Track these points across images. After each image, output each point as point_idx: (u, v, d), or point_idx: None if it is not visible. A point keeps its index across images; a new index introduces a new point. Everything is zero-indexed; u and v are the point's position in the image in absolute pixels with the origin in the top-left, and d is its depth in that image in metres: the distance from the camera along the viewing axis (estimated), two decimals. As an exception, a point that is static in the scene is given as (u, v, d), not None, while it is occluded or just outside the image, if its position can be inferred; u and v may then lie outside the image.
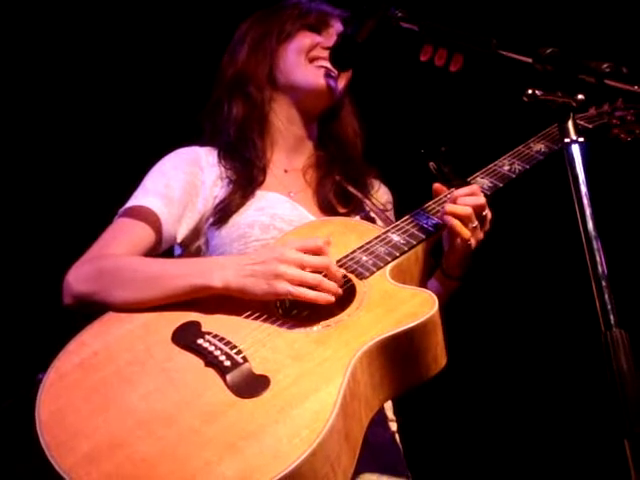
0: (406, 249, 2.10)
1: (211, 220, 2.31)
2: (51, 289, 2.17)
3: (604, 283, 1.62)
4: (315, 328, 1.92)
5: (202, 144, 2.45)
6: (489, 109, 3.57)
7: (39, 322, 3.37)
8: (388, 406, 2.27)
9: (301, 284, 1.94)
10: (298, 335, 1.90)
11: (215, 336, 1.90)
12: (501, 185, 2.25)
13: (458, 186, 2.17)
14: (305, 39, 2.43)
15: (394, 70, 3.40)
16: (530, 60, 1.81)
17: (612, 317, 1.60)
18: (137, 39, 3.66)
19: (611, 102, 2.49)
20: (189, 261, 2.23)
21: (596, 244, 1.65)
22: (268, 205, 2.33)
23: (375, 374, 1.86)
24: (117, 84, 3.68)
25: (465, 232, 2.10)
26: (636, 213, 3.52)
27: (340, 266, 2.05)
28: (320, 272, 1.98)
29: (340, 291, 1.98)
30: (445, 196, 2.21)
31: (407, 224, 2.17)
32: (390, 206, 2.55)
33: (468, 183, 2.20)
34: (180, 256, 2.37)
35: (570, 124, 1.74)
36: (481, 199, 2.15)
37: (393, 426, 2.28)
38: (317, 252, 2.00)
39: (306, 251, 1.99)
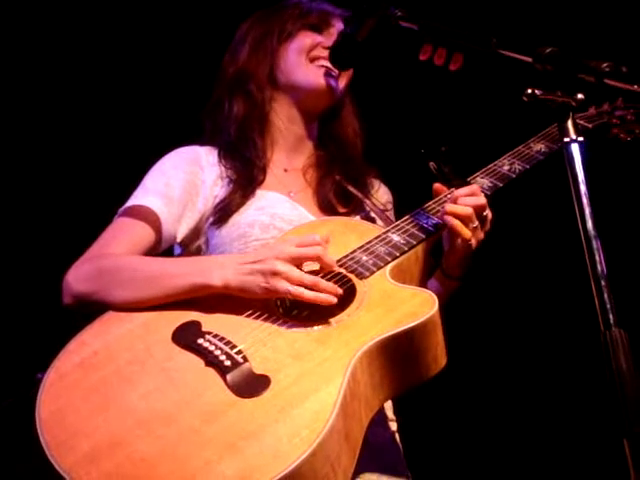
0: (406, 249, 2.10)
1: (211, 219, 2.31)
2: (51, 289, 2.17)
3: (603, 282, 1.62)
4: (315, 328, 1.92)
5: (202, 143, 2.45)
6: (489, 109, 3.57)
7: (39, 322, 3.37)
8: (388, 406, 2.27)
9: (300, 284, 1.94)
10: (298, 335, 1.91)
11: (215, 336, 1.90)
12: (501, 185, 2.25)
13: (458, 186, 2.17)
14: (306, 39, 2.43)
15: (394, 69, 3.39)
16: (530, 59, 1.81)
17: (611, 317, 1.60)
18: (138, 39, 3.66)
19: (611, 101, 2.49)
20: (189, 260, 2.23)
21: (595, 243, 1.65)
22: (268, 205, 2.33)
23: (375, 374, 1.86)
24: (117, 84, 3.68)
25: (466, 232, 2.10)
26: (636, 213, 3.52)
27: (340, 266, 2.05)
28: (318, 272, 1.99)
29: (340, 291, 1.98)
30: (445, 196, 2.21)
31: (407, 224, 2.17)
32: (390, 206, 2.55)
33: (468, 183, 2.20)
34: (180, 255, 2.37)
35: (570, 123, 1.74)
36: (481, 199, 2.15)
37: (393, 426, 2.28)
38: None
39: (304, 247, 1.99)
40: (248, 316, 1.95)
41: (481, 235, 2.15)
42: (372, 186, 2.53)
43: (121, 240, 2.19)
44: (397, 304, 1.94)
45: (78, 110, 3.66)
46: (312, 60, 2.41)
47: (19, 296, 3.51)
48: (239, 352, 1.86)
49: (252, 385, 1.79)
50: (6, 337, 3.41)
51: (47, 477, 1.69)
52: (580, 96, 1.74)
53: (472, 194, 2.14)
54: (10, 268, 3.56)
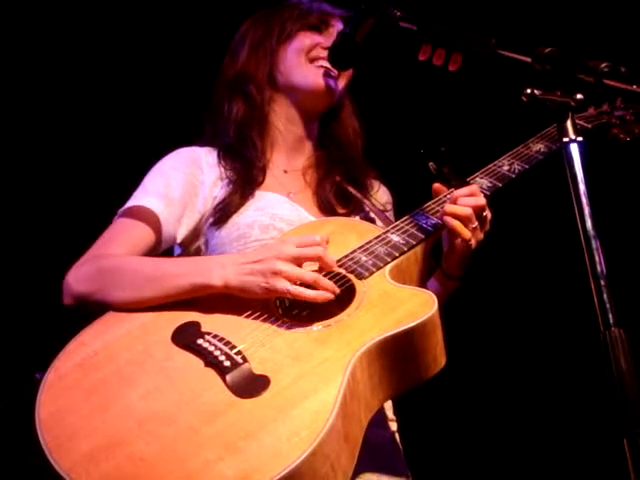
0: (405, 249, 2.10)
1: (211, 220, 2.31)
2: (51, 289, 2.17)
3: (603, 282, 1.62)
4: (315, 328, 1.92)
5: (202, 144, 2.45)
6: (488, 109, 3.57)
7: (39, 322, 3.37)
8: (388, 406, 2.27)
9: (300, 280, 1.94)
10: (298, 335, 1.91)
11: (215, 336, 1.90)
12: (500, 185, 2.25)
13: (458, 186, 2.17)
14: (305, 39, 2.43)
15: (393, 70, 3.40)
16: (529, 59, 1.81)
17: (611, 316, 1.60)
18: (138, 39, 3.66)
19: (610, 102, 2.49)
20: (189, 260, 2.23)
21: (595, 243, 1.65)
22: (267, 205, 2.33)
23: (375, 374, 1.86)
24: (117, 84, 3.68)
25: (465, 233, 2.10)
26: (635, 213, 3.53)
27: (340, 266, 2.05)
28: (318, 273, 1.99)
29: (338, 290, 1.98)
30: (445, 196, 2.21)
31: (407, 224, 2.17)
32: (390, 206, 2.55)
33: (468, 183, 2.20)
34: (180, 256, 2.37)
35: (569, 123, 1.74)
36: (481, 199, 2.15)
37: (393, 426, 2.28)
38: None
39: (304, 247, 1.99)
40: (248, 316, 1.96)
41: (480, 235, 2.15)
42: (372, 187, 2.53)
43: (121, 241, 2.19)
44: (397, 304, 1.94)
45: (78, 111, 3.67)
46: (311, 60, 2.40)
47: (19, 296, 3.52)
48: (238, 352, 1.86)
49: (252, 385, 1.79)
50: (6, 337, 3.41)
51: (47, 477, 1.69)
52: (579, 96, 1.74)
53: (471, 194, 2.14)
54: (10, 268, 3.56)
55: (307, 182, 2.46)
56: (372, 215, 2.44)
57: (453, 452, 3.78)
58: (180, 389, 1.80)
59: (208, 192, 2.34)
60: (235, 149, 2.40)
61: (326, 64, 2.37)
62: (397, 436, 2.28)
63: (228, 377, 1.80)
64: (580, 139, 1.72)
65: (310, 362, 1.83)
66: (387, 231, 2.16)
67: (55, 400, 1.80)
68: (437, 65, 2.15)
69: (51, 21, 3.63)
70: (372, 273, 2.03)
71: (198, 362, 1.85)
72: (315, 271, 2.00)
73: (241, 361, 1.83)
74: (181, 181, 2.32)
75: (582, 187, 1.68)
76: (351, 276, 2.03)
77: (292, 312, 1.98)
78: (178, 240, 2.31)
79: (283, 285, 1.93)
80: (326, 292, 1.95)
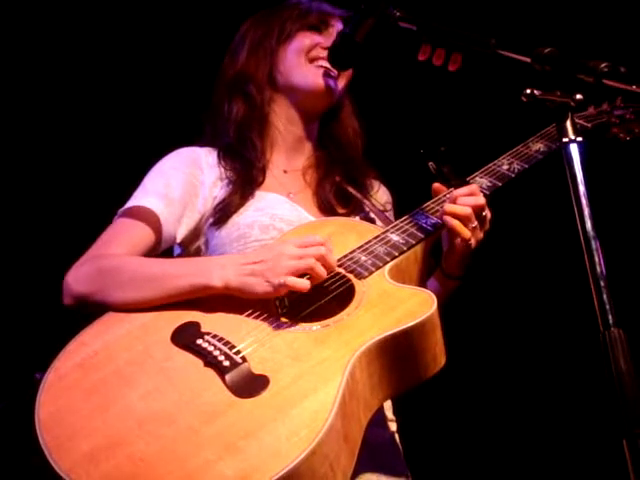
0: (405, 249, 2.10)
1: (211, 220, 2.31)
2: (51, 289, 2.17)
3: (602, 283, 1.62)
4: (314, 327, 1.92)
5: (202, 144, 2.45)
6: (488, 109, 3.57)
7: (39, 322, 3.37)
8: (388, 406, 2.27)
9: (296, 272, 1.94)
10: (297, 335, 1.91)
11: (214, 336, 1.90)
12: (500, 185, 2.25)
13: (457, 186, 2.17)
14: (305, 39, 2.42)
15: (393, 70, 3.40)
16: (529, 60, 1.81)
17: (610, 317, 1.60)
18: (138, 40, 3.66)
19: (610, 101, 2.49)
20: (189, 261, 2.23)
21: (594, 244, 1.65)
22: (267, 205, 2.33)
23: (374, 374, 1.86)
24: (118, 84, 3.68)
25: (465, 232, 2.10)
26: (635, 213, 3.52)
27: (339, 266, 2.05)
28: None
29: (335, 267, 1.99)
30: (444, 196, 2.21)
31: (406, 224, 2.17)
32: (390, 206, 2.54)
33: (467, 183, 2.20)
34: (180, 256, 2.37)
35: (568, 124, 1.74)
36: (480, 199, 2.15)
37: (393, 426, 2.28)
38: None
39: (306, 248, 1.99)
40: (247, 316, 1.96)
41: (480, 235, 2.15)
42: (372, 187, 2.53)
43: (121, 241, 2.19)
44: (396, 304, 1.94)
45: (79, 111, 3.67)
46: (311, 60, 2.40)
47: (19, 296, 3.52)
48: (238, 352, 1.86)
49: (251, 385, 1.79)
50: (6, 337, 3.41)
51: (47, 477, 1.69)
52: (579, 96, 1.74)
53: (471, 194, 2.14)
54: (10, 268, 3.56)
55: (307, 182, 2.46)
56: (372, 215, 2.44)
57: (453, 452, 3.78)
58: (180, 389, 1.80)
59: (208, 192, 2.34)
60: (235, 149, 2.40)
61: (326, 64, 2.36)
62: (397, 436, 2.28)
63: (227, 377, 1.80)
64: (580, 139, 1.72)
65: (309, 362, 1.83)
66: (387, 231, 2.16)
67: (55, 400, 1.80)
68: (437, 65, 2.15)
69: (51, 21, 3.63)
70: (371, 273, 2.03)
71: (198, 362, 1.85)
72: None
73: (240, 361, 1.84)
74: (181, 181, 2.32)
75: (582, 187, 1.68)
76: (350, 276, 2.04)
77: (292, 312, 1.98)
78: (178, 240, 2.31)
79: (284, 286, 1.93)
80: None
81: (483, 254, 2.18)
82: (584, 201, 1.67)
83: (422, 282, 2.19)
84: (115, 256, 2.14)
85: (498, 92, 2.72)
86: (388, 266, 2.05)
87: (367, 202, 2.46)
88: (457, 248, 2.15)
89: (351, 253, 2.09)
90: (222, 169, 2.38)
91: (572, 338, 3.56)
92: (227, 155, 2.40)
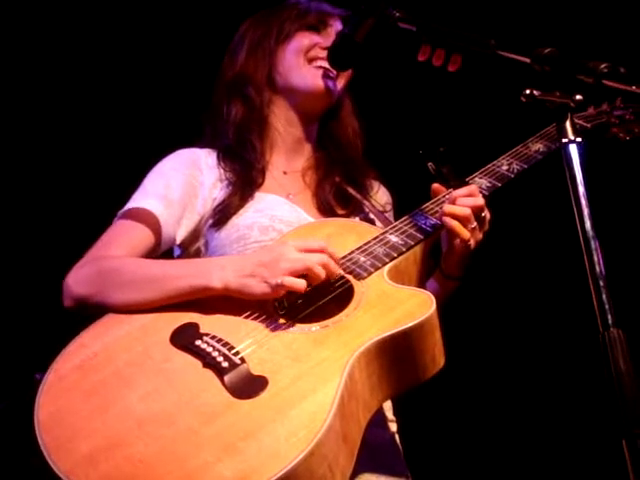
0: (404, 250, 2.10)
1: (210, 222, 2.31)
2: (51, 290, 2.17)
3: (602, 283, 1.62)
4: (313, 328, 1.92)
5: (202, 146, 2.45)
6: (487, 109, 3.57)
7: (39, 323, 3.38)
8: (388, 407, 2.27)
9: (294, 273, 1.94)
10: (296, 336, 1.91)
11: (213, 337, 1.90)
12: (499, 185, 2.25)
13: (456, 186, 2.17)
14: (303, 39, 2.42)
15: (392, 70, 3.40)
16: (528, 60, 1.81)
17: (610, 317, 1.59)
18: (138, 41, 3.66)
19: (610, 101, 2.49)
20: (188, 262, 2.23)
21: (594, 244, 1.65)
22: (267, 207, 2.33)
23: (373, 374, 1.86)
24: (117, 86, 3.68)
25: (464, 233, 2.10)
26: (634, 213, 3.52)
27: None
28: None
29: (340, 271, 1.99)
30: (443, 197, 2.21)
31: (405, 225, 2.16)
32: (389, 207, 2.54)
33: (466, 183, 2.20)
34: (179, 257, 2.37)
35: (568, 124, 1.74)
36: (480, 200, 2.14)
37: (393, 427, 2.28)
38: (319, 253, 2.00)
39: (307, 251, 1.99)
40: (246, 317, 1.96)
41: (479, 235, 2.15)
42: (372, 187, 2.53)
43: (120, 242, 2.19)
44: (395, 304, 1.94)
45: (78, 113, 3.67)
46: (310, 61, 2.40)
47: (19, 297, 3.52)
48: (237, 353, 1.86)
49: (250, 386, 1.79)
50: (6, 338, 3.41)
51: (46, 479, 1.69)
52: (578, 97, 1.74)
53: (470, 194, 2.14)
54: (11, 270, 3.56)
55: (307, 183, 2.46)
56: (372, 216, 2.44)
57: (453, 453, 3.78)
58: (179, 390, 1.80)
59: (208, 193, 2.34)
60: (234, 151, 2.40)
61: (325, 64, 2.36)
62: (397, 437, 2.28)
63: (226, 378, 1.80)
64: (579, 140, 1.72)
65: (308, 363, 1.83)
66: (386, 232, 2.15)
67: (55, 401, 1.80)
68: (436, 65, 2.15)
69: (51, 23, 3.63)
70: (370, 274, 2.03)
71: (197, 363, 1.85)
72: None
73: (239, 362, 1.84)
74: (181, 182, 2.32)
75: (581, 188, 1.68)
76: (349, 277, 2.03)
77: (290, 313, 1.98)
78: (178, 241, 2.31)
79: (284, 287, 1.93)
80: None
81: (482, 255, 2.18)
82: (583, 201, 1.67)
83: (421, 283, 2.19)
84: (115, 258, 2.14)
85: (498, 92, 2.72)
86: (387, 267, 2.05)
87: (367, 203, 2.45)
88: (456, 249, 2.14)
89: (350, 254, 2.09)
90: (222, 170, 2.38)
91: (571, 338, 3.56)
92: (227, 156, 2.40)
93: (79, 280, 2.08)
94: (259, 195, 2.36)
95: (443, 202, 2.17)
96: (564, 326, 3.64)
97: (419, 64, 2.17)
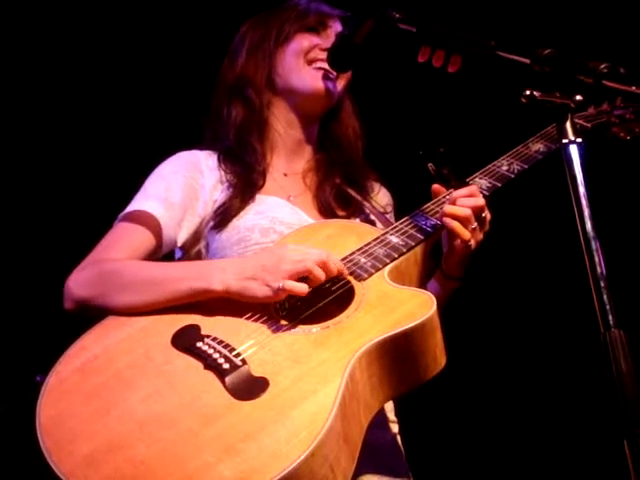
0: (405, 250, 2.10)
1: (211, 224, 2.31)
2: (52, 293, 2.17)
3: (603, 283, 1.62)
4: (314, 330, 1.92)
5: (202, 148, 2.45)
6: (487, 110, 3.57)
7: (40, 325, 3.38)
8: (389, 408, 2.27)
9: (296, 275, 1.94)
10: (297, 337, 1.91)
11: (214, 339, 1.90)
12: (500, 185, 2.25)
13: (457, 187, 2.17)
14: (303, 41, 2.42)
15: (392, 71, 3.40)
16: (528, 61, 1.81)
17: (611, 318, 1.59)
18: (138, 43, 3.66)
19: (610, 101, 2.49)
20: (189, 264, 2.23)
21: (595, 244, 1.65)
22: (268, 209, 2.33)
23: (374, 375, 1.86)
24: (118, 88, 3.68)
25: (465, 233, 2.10)
26: (635, 213, 3.52)
27: (339, 268, 2.05)
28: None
29: (344, 269, 1.99)
30: (444, 197, 2.21)
31: (406, 225, 2.16)
32: (390, 209, 2.54)
33: (467, 184, 2.20)
34: (180, 260, 2.37)
35: (568, 124, 1.73)
36: (480, 200, 2.14)
37: (394, 428, 2.28)
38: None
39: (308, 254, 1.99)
40: (247, 319, 1.96)
41: (480, 236, 2.15)
42: (372, 189, 2.53)
43: (121, 245, 2.19)
44: (396, 305, 1.94)
45: (79, 114, 3.67)
46: (310, 62, 2.40)
47: (20, 300, 3.52)
48: (238, 355, 1.86)
49: (250, 387, 1.79)
50: (7, 340, 3.41)
51: (47, 481, 1.69)
52: (578, 97, 1.74)
53: (471, 195, 2.14)
54: (12, 272, 3.56)
55: (307, 185, 2.46)
56: (372, 217, 2.44)
57: (455, 454, 3.78)
58: (180, 392, 1.80)
59: (208, 195, 2.34)
60: (235, 153, 2.40)
61: (324, 65, 2.36)
62: (398, 438, 2.28)
63: (227, 379, 1.80)
64: (579, 140, 1.72)
65: (309, 364, 1.83)
66: (386, 232, 2.15)
67: (56, 404, 1.80)
68: (436, 66, 2.15)
69: (52, 26, 3.63)
70: (371, 275, 2.03)
71: (198, 365, 1.85)
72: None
73: (240, 363, 1.84)
74: (181, 185, 2.32)
75: (582, 188, 1.68)
76: (350, 278, 2.03)
77: (291, 314, 1.98)
78: (179, 244, 2.31)
79: (284, 289, 1.93)
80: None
81: (483, 255, 2.18)
82: (584, 202, 1.67)
83: (422, 283, 2.19)
84: (116, 260, 2.14)
85: (498, 93, 2.72)
86: (388, 268, 2.05)
87: (367, 204, 2.45)
88: (457, 249, 2.14)
89: (351, 255, 2.09)
90: (222, 172, 2.38)
91: (572, 339, 3.55)
92: (227, 158, 2.40)
93: (80, 283, 2.09)
94: (260, 197, 2.36)
95: (443, 203, 2.17)
96: (565, 327, 3.64)
97: (419, 65, 2.17)
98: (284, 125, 2.46)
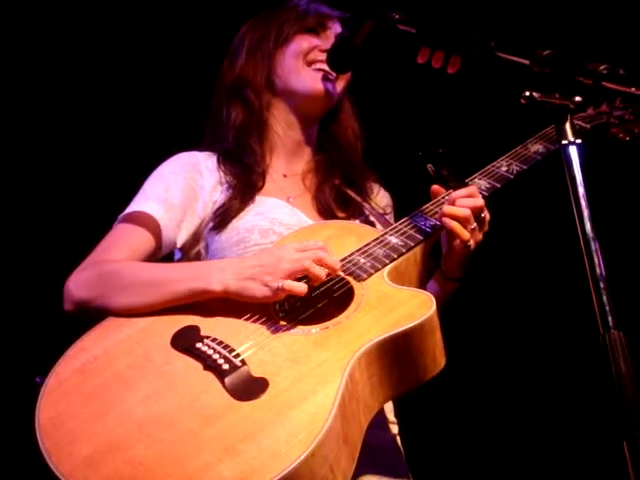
0: (404, 251, 2.10)
1: (211, 225, 2.32)
2: (52, 294, 2.17)
3: (602, 285, 1.62)
4: (313, 330, 1.92)
5: (202, 149, 2.45)
6: (487, 111, 3.57)
7: (40, 326, 3.38)
8: (389, 408, 2.27)
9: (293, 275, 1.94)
10: (296, 337, 1.91)
11: (214, 340, 1.90)
12: (499, 186, 2.25)
13: (456, 188, 2.17)
14: (302, 42, 2.42)
15: (392, 72, 3.40)
16: (527, 62, 1.81)
17: (610, 319, 1.59)
18: (138, 44, 3.66)
19: (609, 102, 2.49)
20: (188, 265, 2.24)
21: (594, 245, 1.64)
22: (267, 210, 2.33)
23: (374, 375, 1.86)
24: (117, 89, 3.68)
25: (464, 234, 2.10)
26: (634, 214, 3.52)
27: (338, 268, 2.06)
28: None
29: (339, 267, 1.99)
30: (443, 198, 2.21)
31: (405, 226, 2.16)
32: (390, 210, 2.54)
33: (466, 184, 2.20)
34: (180, 260, 2.37)
35: (567, 125, 1.73)
36: (479, 201, 2.14)
37: (394, 428, 2.28)
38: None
39: (305, 251, 1.99)
40: (247, 320, 1.96)
41: (479, 236, 2.15)
42: (372, 190, 2.53)
43: (121, 246, 2.19)
44: (395, 306, 1.94)
45: (79, 116, 3.67)
46: (309, 64, 2.40)
47: (20, 301, 3.52)
48: (237, 355, 1.86)
49: (250, 388, 1.79)
50: (7, 341, 3.41)
51: (46, 482, 1.69)
52: (578, 98, 1.74)
53: (470, 195, 2.14)
54: (11, 273, 3.56)
55: (306, 186, 2.46)
56: (372, 218, 2.44)
57: (455, 455, 3.78)
58: (179, 393, 1.81)
59: (208, 196, 2.34)
60: (234, 154, 2.40)
61: (324, 67, 2.36)
62: (398, 439, 2.28)
63: (227, 380, 1.80)
64: (579, 141, 1.72)
65: (308, 364, 1.83)
66: (386, 233, 2.16)
67: (55, 405, 1.80)
68: (436, 67, 2.15)
69: (52, 27, 3.63)
70: (370, 275, 2.03)
71: (197, 366, 1.85)
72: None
73: (240, 364, 1.84)
74: (181, 186, 2.32)
75: (581, 189, 1.68)
76: (349, 278, 2.04)
77: (291, 315, 1.98)
78: (178, 245, 2.31)
79: (283, 289, 1.93)
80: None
81: (482, 256, 2.18)
82: (583, 202, 1.67)
83: (422, 284, 2.19)
84: (115, 261, 2.14)
85: (497, 94, 2.72)
86: (387, 268, 2.05)
87: (367, 205, 2.45)
88: (456, 250, 2.14)
89: (350, 256, 2.09)
90: (222, 173, 2.38)
91: (572, 340, 3.55)
92: (227, 160, 2.40)
93: (80, 284, 2.09)
94: (259, 198, 2.36)
95: (443, 203, 2.17)
96: (565, 328, 3.64)
97: (418, 66, 2.17)
98: (283, 126, 2.46)
